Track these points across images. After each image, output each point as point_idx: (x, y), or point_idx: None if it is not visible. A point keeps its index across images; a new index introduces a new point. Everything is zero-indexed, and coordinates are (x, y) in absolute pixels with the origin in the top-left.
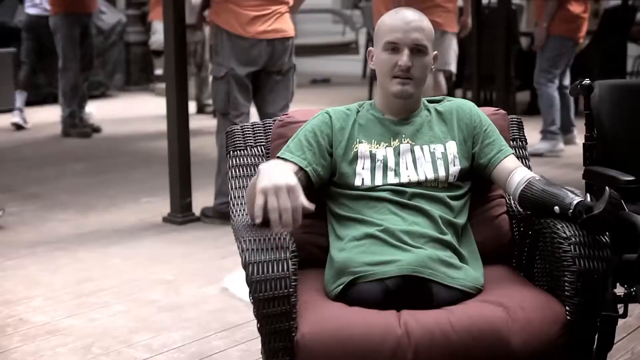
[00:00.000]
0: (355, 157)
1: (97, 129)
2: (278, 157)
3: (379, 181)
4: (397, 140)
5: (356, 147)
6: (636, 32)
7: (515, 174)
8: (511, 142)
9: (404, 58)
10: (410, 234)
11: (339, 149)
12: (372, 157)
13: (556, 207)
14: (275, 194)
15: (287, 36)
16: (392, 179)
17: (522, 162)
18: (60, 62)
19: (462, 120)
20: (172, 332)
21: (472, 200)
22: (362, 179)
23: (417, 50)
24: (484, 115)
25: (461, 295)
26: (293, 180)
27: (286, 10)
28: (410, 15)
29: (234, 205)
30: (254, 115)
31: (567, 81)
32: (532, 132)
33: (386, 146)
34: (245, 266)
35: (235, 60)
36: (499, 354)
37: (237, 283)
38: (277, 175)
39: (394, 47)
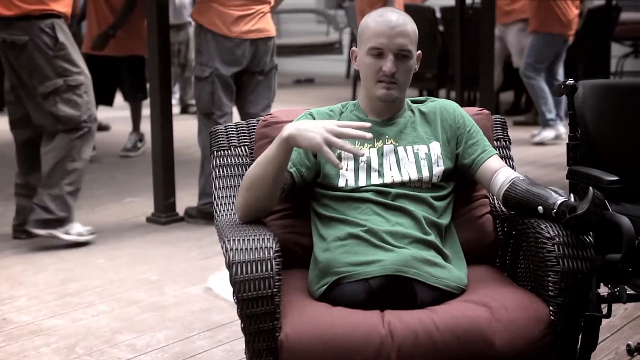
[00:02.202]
0: (339, 159)
1: (105, 127)
2: None
3: (362, 182)
4: (380, 141)
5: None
6: (620, 32)
7: (499, 174)
8: (495, 142)
9: (388, 64)
10: (394, 234)
11: None
12: (356, 158)
13: (540, 207)
14: (333, 134)
15: (270, 36)
16: (375, 179)
17: (506, 162)
18: None
19: (446, 121)
20: (156, 332)
21: (456, 201)
22: (346, 180)
23: (402, 55)
24: (468, 116)
25: (445, 295)
26: (330, 120)
27: (268, 10)
28: (394, 19)
29: (217, 205)
30: (235, 116)
31: (560, 75)
32: (516, 132)
33: (370, 147)
34: (229, 266)
35: (219, 61)
36: (483, 354)
37: (221, 283)
38: (316, 123)
39: (378, 53)
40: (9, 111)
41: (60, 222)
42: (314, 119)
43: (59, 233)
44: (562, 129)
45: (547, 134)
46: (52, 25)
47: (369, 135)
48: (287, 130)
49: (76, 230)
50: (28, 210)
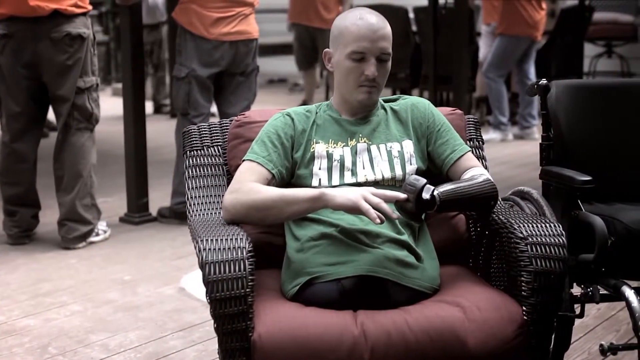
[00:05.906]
0: (312, 158)
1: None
2: (244, 160)
3: (336, 181)
4: (354, 140)
5: (313, 148)
6: (593, 32)
7: (465, 175)
8: (468, 142)
9: (371, 69)
10: (367, 234)
11: (299, 151)
12: (329, 157)
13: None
14: (371, 195)
15: (251, 38)
16: (349, 178)
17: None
18: None
19: (417, 119)
20: (129, 332)
21: None
22: (319, 179)
23: (383, 58)
24: (438, 114)
25: (418, 295)
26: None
27: (250, 12)
28: (375, 23)
29: (190, 205)
30: (218, 117)
31: (532, 75)
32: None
33: (343, 146)
34: (202, 266)
35: (197, 61)
36: (456, 354)
37: (194, 283)
38: (354, 188)
39: (361, 57)
40: (16, 123)
41: (95, 227)
42: (292, 120)
43: (93, 238)
44: (510, 135)
45: (495, 135)
46: (92, 23)
47: (395, 215)
48: (326, 189)
49: (101, 228)
50: (29, 218)
